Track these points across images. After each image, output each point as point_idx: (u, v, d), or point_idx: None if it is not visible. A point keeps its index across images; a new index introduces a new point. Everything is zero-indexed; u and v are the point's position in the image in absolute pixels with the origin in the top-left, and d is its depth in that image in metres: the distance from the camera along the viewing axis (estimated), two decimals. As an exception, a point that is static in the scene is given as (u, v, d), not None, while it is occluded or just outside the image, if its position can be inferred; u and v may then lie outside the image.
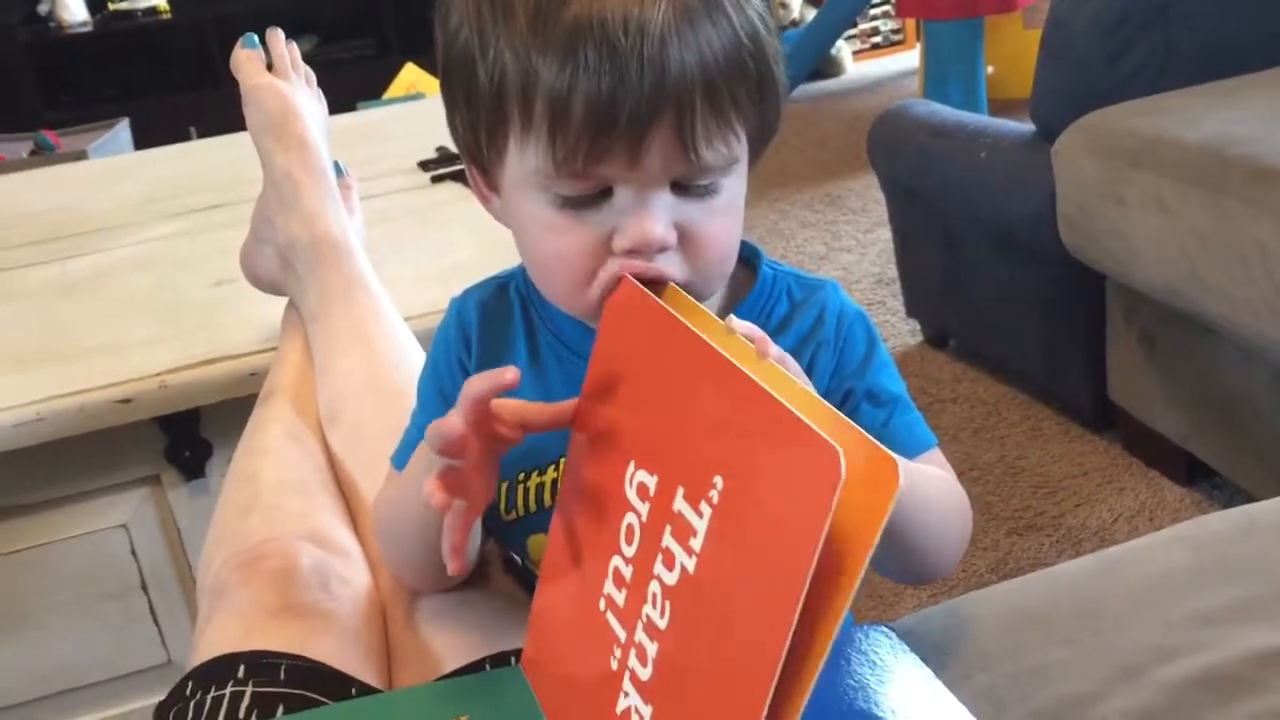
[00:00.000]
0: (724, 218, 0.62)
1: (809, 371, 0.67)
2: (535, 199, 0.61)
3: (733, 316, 0.56)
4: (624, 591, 0.56)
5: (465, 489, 0.60)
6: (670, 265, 0.61)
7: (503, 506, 0.71)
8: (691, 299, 0.60)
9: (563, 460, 0.68)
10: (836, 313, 0.70)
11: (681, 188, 0.60)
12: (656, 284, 0.61)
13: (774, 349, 0.55)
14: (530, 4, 0.56)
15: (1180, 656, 0.71)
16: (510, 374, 0.58)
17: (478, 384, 0.58)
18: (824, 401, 0.51)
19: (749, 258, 0.70)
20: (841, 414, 0.49)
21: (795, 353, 0.67)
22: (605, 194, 0.60)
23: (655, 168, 0.58)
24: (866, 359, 0.69)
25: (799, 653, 0.46)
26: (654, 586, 0.53)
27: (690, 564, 0.51)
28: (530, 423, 0.60)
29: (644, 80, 0.55)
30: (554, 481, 0.69)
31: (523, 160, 0.60)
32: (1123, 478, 1.86)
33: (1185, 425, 1.74)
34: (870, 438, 0.46)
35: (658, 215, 0.59)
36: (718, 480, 0.50)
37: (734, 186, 0.62)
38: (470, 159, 0.66)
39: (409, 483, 0.69)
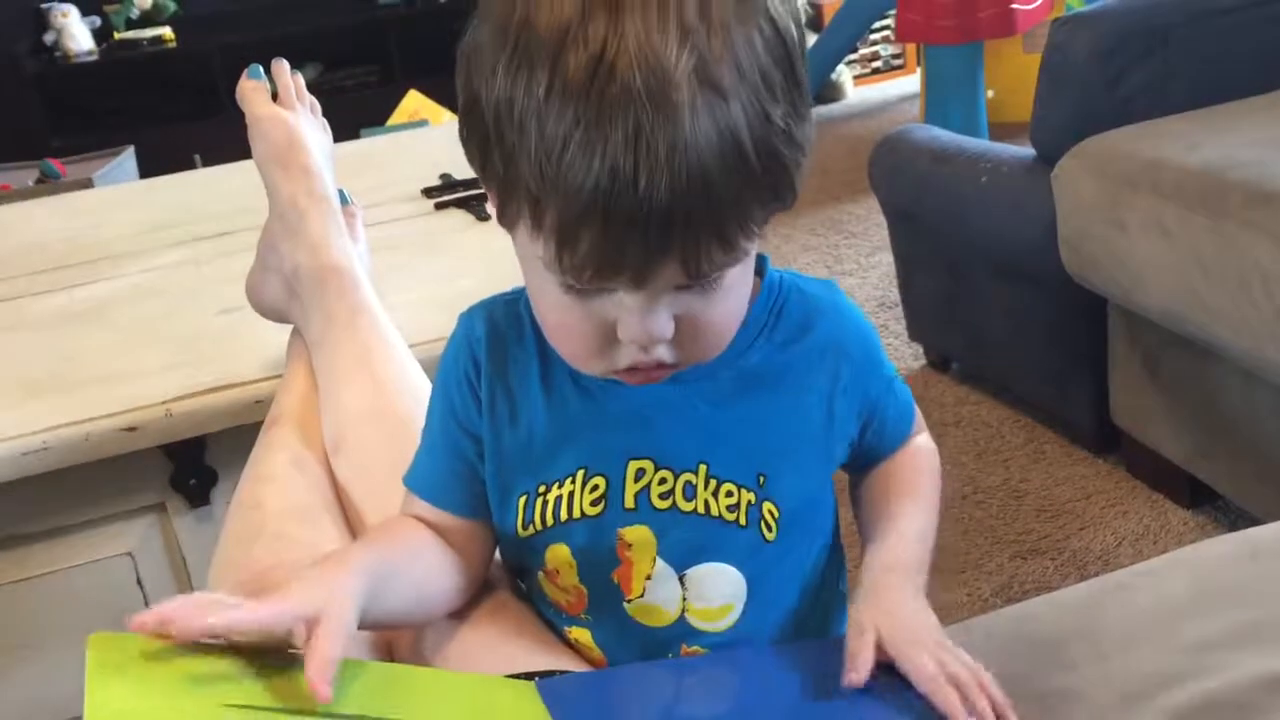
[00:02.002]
0: (726, 301, 0.63)
1: (833, 381, 0.71)
2: (542, 275, 0.61)
3: None
4: None
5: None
6: (667, 353, 0.62)
7: (519, 523, 0.71)
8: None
9: (580, 472, 0.69)
10: (854, 325, 0.74)
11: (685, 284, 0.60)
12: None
13: None
14: (540, 147, 0.55)
15: (1185, 682, 0.71)
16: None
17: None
18: None
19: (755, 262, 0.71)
20: None
21: (818, 359, 0.71)
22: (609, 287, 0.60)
23: (660, 286, 0.59)
24: (877, 354, 0.75)
25: None
26: None
27: None
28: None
29: (650, 236, 0.55)
30: (570, 494, 0.69)
31: (532, 245, 0.60)
32: (1126, 501, 1.86)
33: (1188, 448, 1.74)
34: None
35: (659, 314, 0.60)
36: None
37: (739, 269, 0.62)
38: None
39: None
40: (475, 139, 0.61)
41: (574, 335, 0.63)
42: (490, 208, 0.68)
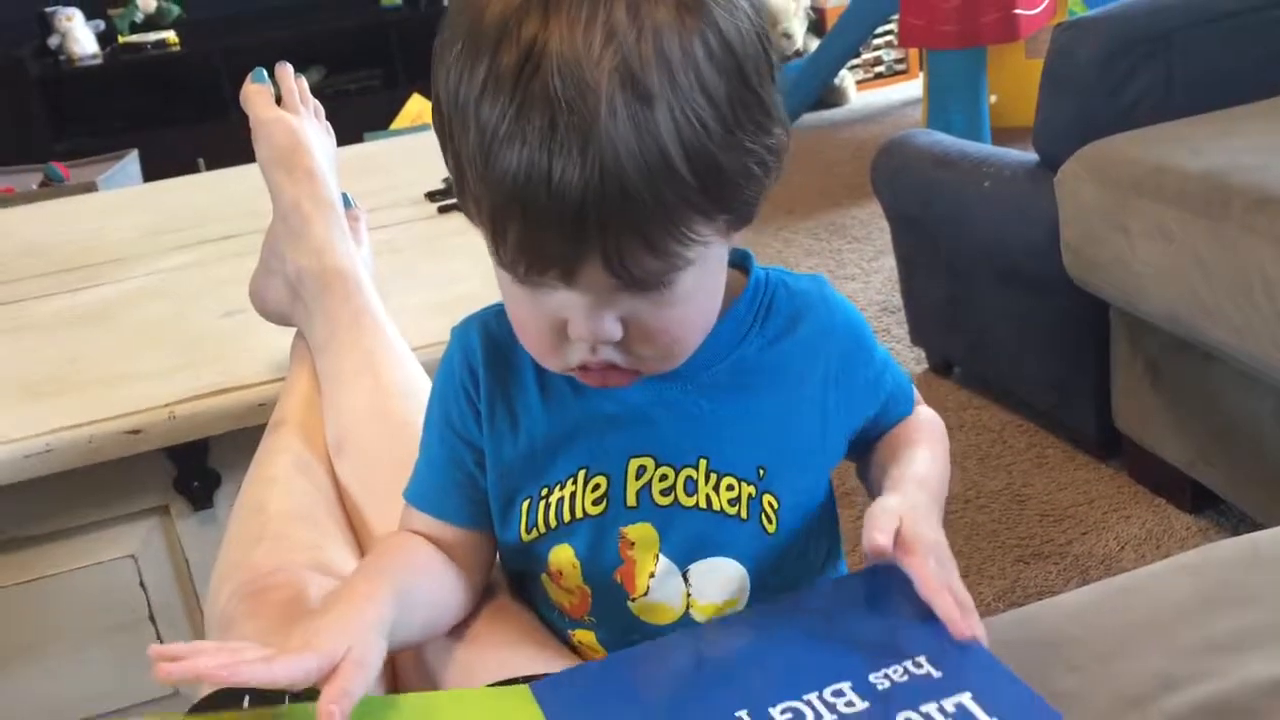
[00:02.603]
0: (680, 308, 0.62)
1: (825, 372, 0.72)
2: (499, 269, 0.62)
3: None
4: None
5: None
6: (617, 355, 0.62)
7: (523, 527, 0.71)
8: None
9: (581, 472, 0.70)
10: (842, 315, 0.74)
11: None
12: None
13: None
14: (475, 136, 0.56)
15: (1187, 685, 0.71)
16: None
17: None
18: None
19: (739, 260, 0.72)
20: None
21: (810, 351, 0.71)
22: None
23: (594, 286, 0.58)
24: (869, 340, 0.74)
25: None
26: None
27: None
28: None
29: (566, 235, 0.55)
30: (572, 495, 0.70)
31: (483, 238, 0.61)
32: (1129, 505, 1.86)
33: (1191, 452, 1.74)
34: None
35: (604, 315, 0.60)
36: None
37: (691, 278, 0.61)
38: None
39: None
40: (439, 132, 0.62)
41: (531, 330, 0.64)
42: None
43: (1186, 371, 1.70)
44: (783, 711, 0.57)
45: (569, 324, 0.61)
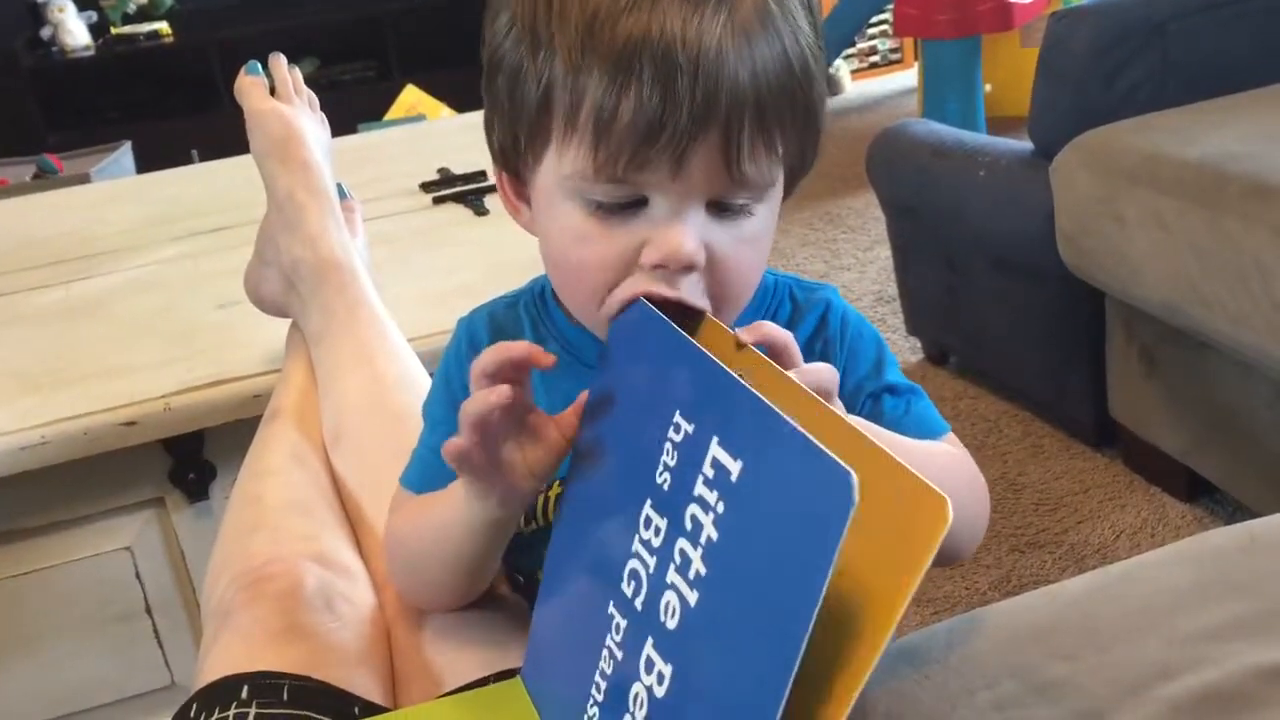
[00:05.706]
0: (752, 247, 0.62)
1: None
2: (568, 206, 0.61)
3: (739, 330, 0.57)
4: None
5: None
6: (691, 290, 0.61)
7: (521, 519, 0.71)
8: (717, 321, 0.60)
9: None
10: (840, 313, 0.72)
11: (716, 208, 0.60)
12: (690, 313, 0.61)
13: (795, 357, 0.57)
14: (587, 10, 0.56)
15: (1183, 674, 0.71)
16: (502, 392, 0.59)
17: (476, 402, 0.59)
18: (859, 430, 0.50)
19: None
20: (885, 448, 0.48)
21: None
22: (639, 204, 0.60)
23: (696, 181, 0.58)
24: (880, 361, 0.71)
25: (835, 678, 0.46)
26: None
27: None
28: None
29: (696, 94, 0.55)
30: None
31: (560, 163, 0.60)
32: (1124, 494, 1.86)
33: (1186, 442, 1.74)
34: (918, 475, 0.45)
35: (690, 230, 0.59)
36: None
37: (765, 216, 0.62)
38: (504, 163, 0.67)
39: (437, 506, 0.69)
40: (505, 68, 0.61)
41: (591, 270, 0.61)
42: (504, 188, 0.68)
43: (1182, 360, 1.70)
44: (628, 581, 0.56)
45: (646, 249, 0.59)
